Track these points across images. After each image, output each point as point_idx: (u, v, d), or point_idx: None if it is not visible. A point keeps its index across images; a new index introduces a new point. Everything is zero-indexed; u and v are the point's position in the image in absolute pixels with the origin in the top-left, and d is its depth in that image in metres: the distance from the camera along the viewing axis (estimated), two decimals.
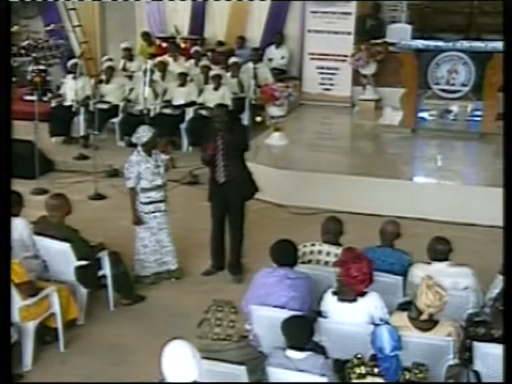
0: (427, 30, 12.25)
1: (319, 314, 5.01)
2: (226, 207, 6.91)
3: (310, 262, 5.74)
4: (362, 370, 4.27)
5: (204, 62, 11.57)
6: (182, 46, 12.95)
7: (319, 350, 4.64)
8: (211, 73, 10.90)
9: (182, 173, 9.21)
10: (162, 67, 11.24)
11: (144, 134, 6.68)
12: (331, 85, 12.66)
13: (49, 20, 13.79)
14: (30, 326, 5.50)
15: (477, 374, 4.52)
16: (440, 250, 5.47)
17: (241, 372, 4.23)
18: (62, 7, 13.53)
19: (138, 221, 6.73)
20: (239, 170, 6.80)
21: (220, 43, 13.06)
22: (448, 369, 4.58)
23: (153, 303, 6.55)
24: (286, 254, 5.33)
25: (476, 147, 10.22)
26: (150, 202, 6.72)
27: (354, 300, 4.89)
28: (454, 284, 5.28)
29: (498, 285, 5.24)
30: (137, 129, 6.80)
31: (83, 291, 6.14)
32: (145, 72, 10.15)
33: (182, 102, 10.91)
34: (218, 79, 10.70)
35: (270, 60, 12.73)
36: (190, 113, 10.73)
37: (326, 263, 5.69)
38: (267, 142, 10.04)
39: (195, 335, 4.39)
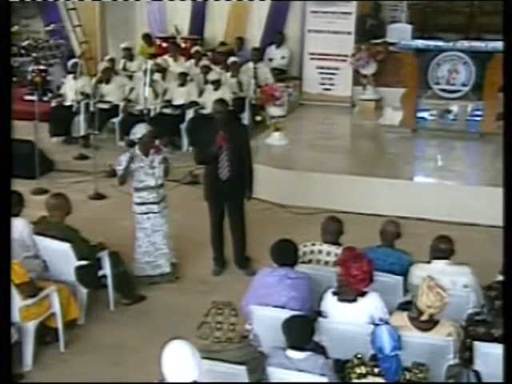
0: (427, 29, 12.27)
1: (319, 313, 5.01)
2: (226, 203, 6.90)
3: (310, 261, 5.74)
4: (363, 369, 4.27)
5: (204, 61, 11.56)
6: (182, 45, 12.94)
7: (319, 349, 4.63)
8: (211, 77, 10.84)
9: (182, 173, 9.21)
10: (162, 67, 11.23)
11: (139, 130, 6.64)
12: (331, 85, 12.64)
13: (49, 20, 13.79)
14: (31, 326, 5.50)
15: (477, 373, 4.51)
16: (441, 249, 5.47)
17: (241, 372, 4.22)
18: (62, 7, 13.53)
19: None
20: (241, 167, 6.78)
21: (221, 44, 13.06)
22: (448, 369, 4.56)
23: (153, 303, 6.55)
24: (286, 254, 5.33)
25: (476, 147, 10.21)
26: (142, 203, 6.66)
27: (354, 300, 4.88)
28: (452, 282, 5.29)
29: None
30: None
31: (83, 291, 6.14)
32: (145, 72, 10.15)
33: (182, 101, 10.90)
34: (217, 83, 10.65)
35: (271, 60, 12.73)
36: (190, 113, 10.73)
37: (326, 263, 5.70)
38: (267, 142, 10.04)
39: (195, 335, 4.39)
